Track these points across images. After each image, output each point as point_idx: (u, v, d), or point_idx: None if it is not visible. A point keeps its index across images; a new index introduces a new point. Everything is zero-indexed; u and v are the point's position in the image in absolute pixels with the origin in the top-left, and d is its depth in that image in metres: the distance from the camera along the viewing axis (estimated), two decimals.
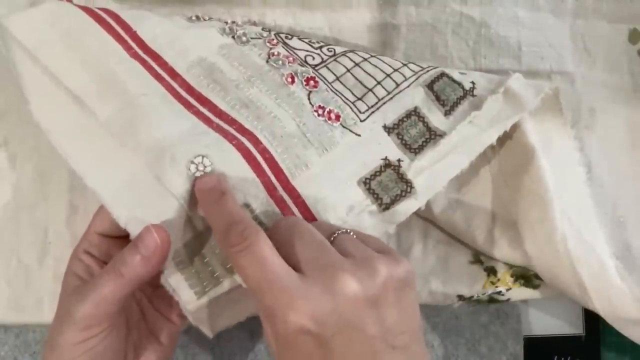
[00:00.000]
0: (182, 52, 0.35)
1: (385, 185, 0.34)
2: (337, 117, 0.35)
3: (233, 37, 0.37)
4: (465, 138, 0.36)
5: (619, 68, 0.45)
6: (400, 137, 0.36)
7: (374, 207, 0.34)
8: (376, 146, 0.35)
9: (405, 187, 0.35)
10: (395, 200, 0.34)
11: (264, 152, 0.32)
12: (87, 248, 0.33)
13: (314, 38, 0.40)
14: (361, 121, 0.36)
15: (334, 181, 0.34)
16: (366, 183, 0.34)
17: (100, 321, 0.29)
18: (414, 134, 0.36)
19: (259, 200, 0.31)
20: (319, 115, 0.35)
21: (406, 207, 0.35)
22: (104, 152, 0.33)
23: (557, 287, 0.38)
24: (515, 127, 0.38)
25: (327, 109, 0.35)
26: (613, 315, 0.37)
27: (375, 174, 0.35)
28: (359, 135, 0.35)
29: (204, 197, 0.30)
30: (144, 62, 0.34)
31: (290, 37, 0.39)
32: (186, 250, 0.31)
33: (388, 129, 0.36)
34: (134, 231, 0.30)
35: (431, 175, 0.35)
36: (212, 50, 0.36)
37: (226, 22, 0.39)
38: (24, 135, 0.42)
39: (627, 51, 0.45)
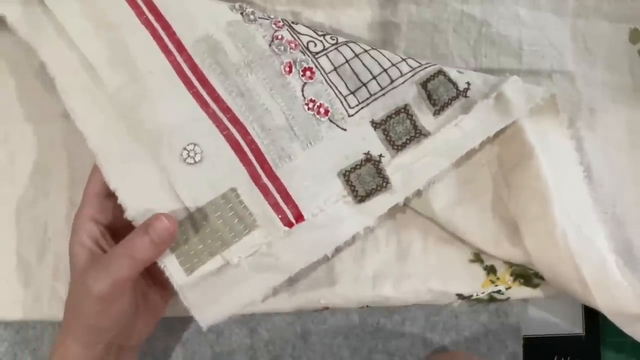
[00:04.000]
0: (191, 24, 0.36)
1: (363, 178, 0.36)
2: (326, 112, 0.37)
3: (242, 13, 0.38)
4: (449, 140, 0.37)
5: (620, 68, 0.45)
6: (385, 132, 0.37)
7: (349, 199, 0.36)
8: (360, 141, 0.37)
9: (382, 182, 0.36)
10: (370, 193, 0.36)
11: (251, 143, 0.35)
12: (93, 214, 0.35)
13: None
14: (349, 116, 0.37)
15: (315, 172, 0.36)
16: (345, 175, 0.36)
17: (116, 296, 0.32)
18: (400, 131, 0.37)
19: (244, 186, 0.34)
20: (309, 108, 0.37)
21: (382, 201, 0.37)
22: (109, 120, 0.35)
23: (557, 284, 0.38)
24: (513, 125, 0.39)
25: (318, 103, 0.37)
26: (614, 311, 0.37)
27: (355, 167, 0.37)
28: (345, 130, 0.37)
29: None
30: (154, 32, 0.36)
31: (296, 23, 0.40)
32: (178, 230, 0.33)
33: (375, 124, 0.37)
34: (121, 197, 0.34)
35: (410, 173, 0.37)
36: (220, 25, 0.37)
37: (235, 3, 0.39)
38: (24, 131, 0.42)
39: (627, 51, 0.45)
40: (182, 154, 0.34)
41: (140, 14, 0.36)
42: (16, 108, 0.41)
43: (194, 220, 0.34)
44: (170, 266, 0.34)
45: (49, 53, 0.36)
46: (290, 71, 0.37)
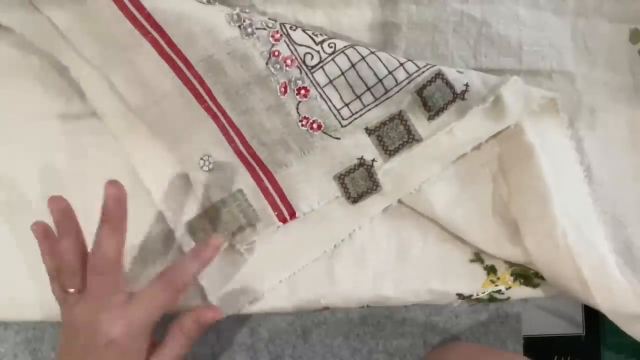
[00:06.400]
0: (191, 44, 0.38)
1: (356, 181, 0.40)
2: (319, 127, 0.39)
3: (239, 26, 0.38)
4: (441, 146, 0.39)
5: (620, 68, 0.45)
6: (379, 138, 0.39)
7: (343, 199, 0.40)
8: (353, 148, 0.40)
9: (372, 185, 0.40)
10: (361, 195, 0.40)
11: (254, 155, 0.40)
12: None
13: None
14: (342, 127, 0.39)
15: (309, 177, 0.40)
16: (340, 178, 0.40)
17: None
18: (393, 136, 0.39)
19: (249, 187, 0.39)
20: (302, 125, 0.39)
21: (374, 203, 0.40)
22: (136, 125, 0.40)
23: (557, 284, 0.38)
24: (513, 125, 0.39)
25: (311, 120, 0.39)
26: (614, 311, 0.37)
27: (349, 171, 0.40)
28: (339, 139, 0.39)
29: None
30: (161, 51, 0.38)
31: (294, 28, 0.40)
32: (197, 221, 0.40)
33: (369, 131, 0.39)
34: (153, 193, 0.41)
35: (401, 177, 0.39)
36: (219, 45, 0.38)
37: (234, 9, 0.39)
38: (25, 133, 0.42)
39: (627, 51, 0.45)
40: (199, 163, 0.40)
41: (145, 33, 0.37)
42: (16, 109, 0.42)
43: (209, 214, 0.40)
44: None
45: (70, 60, 0.39)
46: (285, 92, 0.39)
